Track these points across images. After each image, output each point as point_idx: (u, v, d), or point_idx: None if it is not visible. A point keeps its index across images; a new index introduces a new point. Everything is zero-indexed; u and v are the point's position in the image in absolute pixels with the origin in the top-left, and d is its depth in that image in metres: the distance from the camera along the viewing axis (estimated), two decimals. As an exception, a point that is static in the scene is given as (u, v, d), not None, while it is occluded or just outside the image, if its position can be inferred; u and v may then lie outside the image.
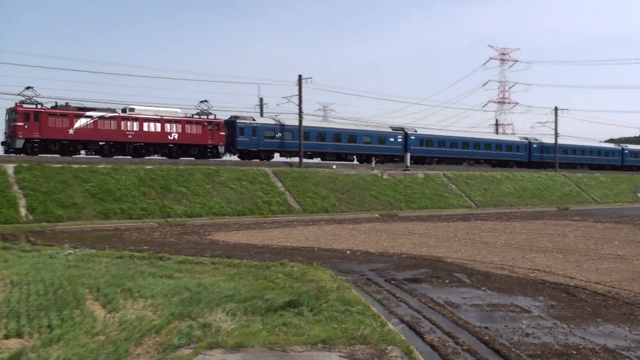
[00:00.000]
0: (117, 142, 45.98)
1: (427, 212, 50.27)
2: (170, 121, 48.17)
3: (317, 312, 12.67)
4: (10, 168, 37.79)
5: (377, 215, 46.92)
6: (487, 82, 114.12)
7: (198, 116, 50.58)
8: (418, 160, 63.88)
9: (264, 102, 65.92)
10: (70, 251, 22.79)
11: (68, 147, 43.97)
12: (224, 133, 51.31)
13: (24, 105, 42.19)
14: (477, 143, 69.87)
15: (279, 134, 54.57)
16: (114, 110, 46.12)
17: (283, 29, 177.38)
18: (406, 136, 62.92)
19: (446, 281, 18.16)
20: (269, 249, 25.89)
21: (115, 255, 21.72)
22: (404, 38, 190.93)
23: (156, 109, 48.60)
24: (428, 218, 45.56)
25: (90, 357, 9.72)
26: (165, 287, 15.30)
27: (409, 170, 59.42)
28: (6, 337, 10.98)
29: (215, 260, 20.59)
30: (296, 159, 55.24)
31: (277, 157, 56.20)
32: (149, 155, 47.77)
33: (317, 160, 58.59)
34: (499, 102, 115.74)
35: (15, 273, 17.53)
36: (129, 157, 46.27)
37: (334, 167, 55.36)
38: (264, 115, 62.03)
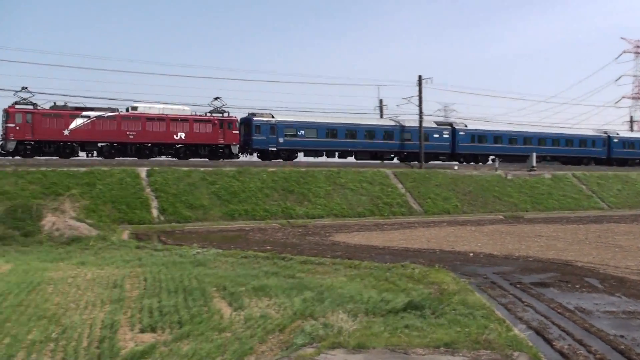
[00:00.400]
0: (118, 142, 43.31)
1: (554, 214, 48.11)
2: (175, 120, 44.81)
3: (440, 315, 12.43)
4: (143, 171, 39.96)
5: (500, 216, 45.49)
6: (620, 77, 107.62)
7: (210, 114, 46.95)
8: (470, 159, 58.41)
9: (384, 103, 65.74)
10: (199, 250, 23.78)
11: (64, 149, 41.87)
12: (237, 132, 47.42)
13: (17, 107, 40.33)
14: (542, 138, 62.06)
15: (302, 132, 50.10)
16: (114, 110, 43.68)
17: (402, 30, 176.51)
18: (454, 132, 57.41)
19: (576, 286, 17.28)
20: (390, 250, 25.75)
21: (240, 255, 22.40)
22: (527, 33, 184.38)
23: (162, 106, 45.50)
24: (556, 220, 43.60)
25: (217, 353, 10.06)
26: (288, 287, 15.59)
27: (534, 170, 57.06)
28: (141, 331, 11.60)
29: (336, 261, 20.75)
30: (334, 159, 51.92)
31: (301, 156, 51.44)
32: (154, 157, 44.54)
33: (349, 159, 53.25)
34: (633, 98, 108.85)
35: (148, 271, 18.53)
36: (134, 158, 43.37)
37: (456, 167, 54.26)
38: (383, 115, 60.78)
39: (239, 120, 48.08)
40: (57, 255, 23.08)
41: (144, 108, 44.54)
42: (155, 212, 36.11)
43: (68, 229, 29.04)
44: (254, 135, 48.00)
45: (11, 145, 40.03)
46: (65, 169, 37.80)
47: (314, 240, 29.97)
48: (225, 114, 47.29)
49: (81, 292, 15.28)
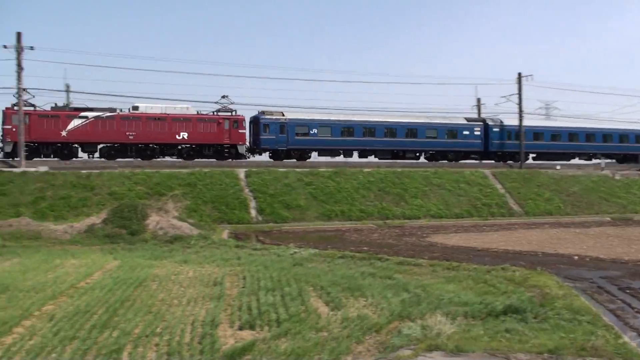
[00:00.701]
0: (117, 143, 42.44)
1: (667, 216, 45.43)
2: (177, 119, 43.36)
3: (542, 320, 11.99)
4: (241, 172, 40.90)
5: (607, 218, 43.38)
6: None
7: (216, 113, 45.37)
8: (506, 157, 53.88)
9: (482, 102, 64.26)
10: (296, 250, 24.05)
11: (62, 150, 41.36)
12: (244, 131, 45.54)
13: (15, 108, 39.59)
14: (590, 134, 55.91)
15: (314, 131, 47.45)
16: (113, 110, 42.62)
17: (501, 28, 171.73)
18: (487, 128, 52.84)
19: (693, 293, 16.19)
20: (489, 252, 25.10)
21: (337, 256, 22.48)
22: (634, 25, 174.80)
23: (164, 106, 44.03)
24: (668, 222, 41.15)
25: (314, 352, 10.12)
26: (384, 288, 15.50)
27: (646, 169, 54.02)
28: (240, 328, 11.84)
29: (433, 263, 20.44)
30: (339, 159, 49.15)
31: (314, 156, 49.07)
32: (156, 157, 43.46)
33: (371, 158, 50.31)
34: None
35: (247, 270, 18.92)
36: (138, 159, 42.36)
37: (558, 167, 52.23)
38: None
39: (245, 119, 46.32)
40: (161, 253, 24.01)
41: (145, 108, 43.51)
42: (253, 212, 36.85)
43: (171, 228, 30.17)
44: (261, 135, 46.10)
45: (8, 147, 39.96)
46: (167, 171, 39.27)
47: (411, 241, 29.66)
48: (232, 113, 45.65)
49: (183, 289, 15.81)
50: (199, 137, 44.15)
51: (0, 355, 9.85)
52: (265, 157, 47.72)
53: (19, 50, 38.20)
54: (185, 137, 43.68)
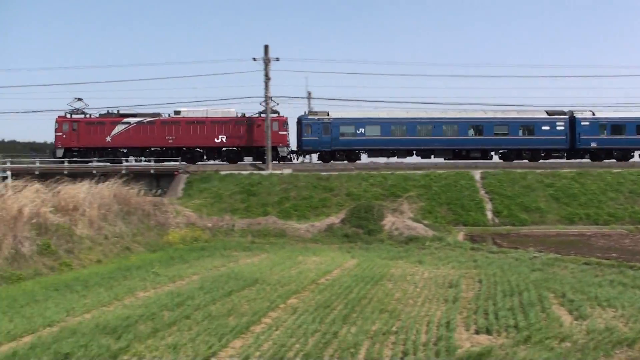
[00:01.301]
0: (157, 147, 43.48)
1: None
2: (216, 122, 43.63)
3: None
4: (477, 173, 40.07)
5: None
6: None
7: (259, 115, 44.13)
8: (602, 155, 45.60)
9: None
10: (535, 255, 22.95)
11: (107, 154, 43.04)
12: (285, 133, 44.13)
13: (67, 116, 43.16)
14: None
15: (361, 130, 44.30)
16: (155, 115, 43.88)
17: None
18: (573, 122, 45.41)
19: None
20: None
21: (581, 262, 21.03)
22: None
23: (205, 109, 44.57)
24: None
25: (559, 362, 9.53)
26: (637, 299, 14.12)
27: None
28: (476, 332, 11.55)
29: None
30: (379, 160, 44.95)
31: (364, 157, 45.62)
32: (200, 161, 44.02)
33: (416, 159, 45.21)
34: None
35: (483, 273, 18.46)
36: (183, 162, 42.56)
37: None
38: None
39: (287, 121, 44.76)
40: (397, 254, 24.40)
41: (186, 112, 44.23)
42: (489, 214, 35.90)
43: (406, 229, 30.53)
44: (303, 136, 44.27)
45: (60, 153, 42.83)
46: (402, 172, 39.84)
47: (669, 248, 26.68)
48: (277, 114, 44.47)
49: (419, 290, 15.87)
50: (237, 140, 44.20)
51: (251, 342, 10.68)
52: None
53: (266, 61, 41.45)
54: (224, 139, 43.98)
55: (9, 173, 38.37)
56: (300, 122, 45.19)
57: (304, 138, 44.61)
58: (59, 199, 25.37)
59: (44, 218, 22.11)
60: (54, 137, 43.84)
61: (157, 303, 13.80)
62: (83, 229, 23.90)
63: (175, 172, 40.45)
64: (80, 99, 44.92)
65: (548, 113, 47.08)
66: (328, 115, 45.28)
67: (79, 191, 26.68)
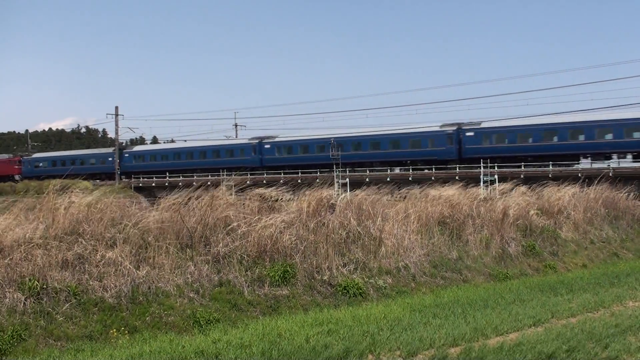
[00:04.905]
0: None
1: None
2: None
3: None
4: None
5: None
6: None
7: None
8: None
9: None
10: None
11: None
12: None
13: None
14: None
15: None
16: None
17: None
18: None
19: None
20: None
21: None
22: None
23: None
24: None
25: None
26: None
27: None
28: None
29: None
30: None
31: None
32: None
33: None
34: None
35: None
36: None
37: None
38: None
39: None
40: None
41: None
42: None
43: None
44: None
45: None
46: None
47: None
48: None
49: None
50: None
51: None
52: None
53: None
54: None
55: (495, 177, 40.53)
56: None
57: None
58: (544, 202, 25.63)
59: (529, 220, 22.58)
60: None
61: (649, 314, 12.63)
62: (568, 232, 23.60)
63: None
64: None
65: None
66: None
67: (564, 194, 26.47)
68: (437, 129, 50.99)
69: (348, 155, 53.81)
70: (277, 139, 60.15)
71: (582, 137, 43.89)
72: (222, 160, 61.55)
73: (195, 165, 63.60)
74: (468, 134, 48.87)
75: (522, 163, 45.24)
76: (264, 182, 48.77)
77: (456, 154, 49.53)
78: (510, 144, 47.14)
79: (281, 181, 45.69)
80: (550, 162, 42.53)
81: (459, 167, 46.76)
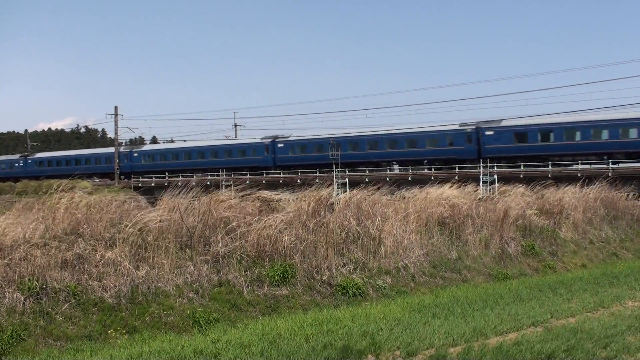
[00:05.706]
0: None
1: None
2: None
3: None
4: None
5: None
6: None
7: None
8: None
9: None
10: None
11: None
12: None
13: None
14: None
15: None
16: None
17: None
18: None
19: None
20: None
21: None
22: None
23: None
24: None
25: None
26: None
27: None
28: None
29: None
30: None
31: None
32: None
33: None
34: None
35: None
36: None
37: None
38: None
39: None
40: None
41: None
42: None
43: None
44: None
45: None
46: None
47: None
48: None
49: None
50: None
51: None
52: None
53: None
54: None
55: (495, 177, 40.49)
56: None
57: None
58: (543, 202, 25.62)
59: (528, 220, 22.58)
60: None
61: (647, 314, 12.63)
62: (567, 232, 23.59)
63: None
64: None
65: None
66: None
67: (563, 194, 26.46)
68: (457, 127, 49.85)
69: (363, 155, 53.16)
70: (290, 138, 59.02)
71: (605, 136, 42.63)
72: (234, 159, 60.64)
73: (207, 165, 62.48)
74: (488, 132, 47.54)
75: (550, 162, 43.59)
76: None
77: (475, 153, 48.08)
78: (531, 144, 45.74)
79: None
80: (550, 162, 42.31)
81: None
